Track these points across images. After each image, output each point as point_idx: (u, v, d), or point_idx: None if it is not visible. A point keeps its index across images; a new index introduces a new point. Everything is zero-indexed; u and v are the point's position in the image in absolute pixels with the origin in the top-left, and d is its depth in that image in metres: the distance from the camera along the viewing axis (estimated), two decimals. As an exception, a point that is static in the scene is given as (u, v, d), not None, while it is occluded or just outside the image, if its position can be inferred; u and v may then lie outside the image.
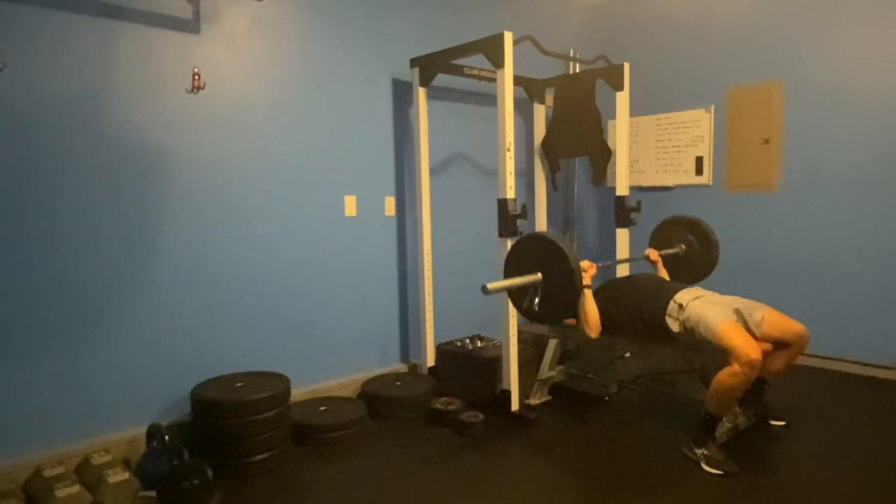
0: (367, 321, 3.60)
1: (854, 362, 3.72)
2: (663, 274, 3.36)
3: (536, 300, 2.59)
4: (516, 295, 2.73)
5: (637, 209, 3.87)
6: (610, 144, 4.00)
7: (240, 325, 3.05)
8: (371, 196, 3.58)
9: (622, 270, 3.99)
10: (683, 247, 3.52)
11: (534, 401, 3.30)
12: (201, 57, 2.86)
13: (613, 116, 3.90)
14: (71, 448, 2.52)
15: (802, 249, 3.90)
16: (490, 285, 2.48)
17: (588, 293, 2.86)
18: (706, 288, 2.94)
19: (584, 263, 2.85)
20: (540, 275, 2.58)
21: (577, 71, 4.47)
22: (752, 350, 2.40)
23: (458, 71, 3.70)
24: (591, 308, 2.87)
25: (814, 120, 3.81)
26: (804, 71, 3.83)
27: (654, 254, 3.41)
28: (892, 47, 3.51)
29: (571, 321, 3.25)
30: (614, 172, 3.92)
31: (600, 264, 3.03)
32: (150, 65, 2.72)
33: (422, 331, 3.63)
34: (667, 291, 2.82)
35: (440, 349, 3.58)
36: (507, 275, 2.70)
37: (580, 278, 2.56)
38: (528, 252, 2.65)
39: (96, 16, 2.57)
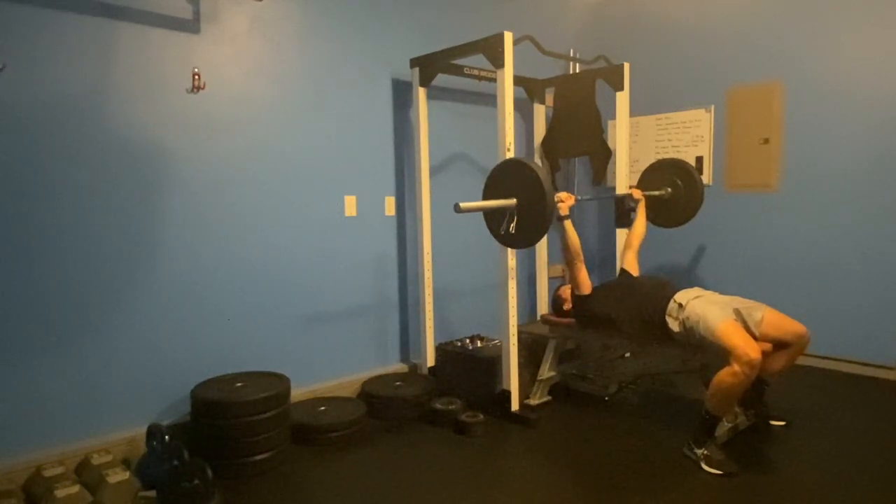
0: (367, 321, 3.60)
1: (854, 362, 3.72)
2: (642, 215, 3.43)
3: (512, 226, 2.62)
4: (493, 220, 2.75)
5: (636, 209, 3.86)
6: (610, 144, 4.00)
7: (240, 325, 3.05)
8: (371, 196, 3.58)
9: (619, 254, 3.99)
10: (669, 190, 3.60)
11: (534, 401, 3.30)
12: (201, 57, 2.86)
13: (613, 116, 3.90)
14: (71, 448, 2.52)
15: (802, 249, 3.90)
16: (463, 205, 2.51)
17: (568, 224, 2.96)
18: (706, 288, 2.94)
19: (563, 195, 2.95)
20: (515, 200, 2.61)
21: (577, 71, 4.46)
22: (751, 350, 2.40)
23: (458, 71, 3.70)
24: (572, 236, 2.97)
25: (814, 120, 3.81)
26: (804, 71, 3.83)
27: (637, 192, 3.50)
28: (893, 47, 3.51)
29: (569, 321, 3.26)
30: (614, 172, 3.92)
31: (579, 197, 3.14)
32: (150, 65, 2.72)
33: (422, 331, 3.63)
34: (666, 291, 2.83)
35: (440, 349, 3.57)
36: (486, 198, 2.74)
37: (553, 201, 2.58)
38: (505, 178, 2.68)
39: (96, 16, 2.57)
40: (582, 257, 3.00)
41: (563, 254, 3.00)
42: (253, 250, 3.09)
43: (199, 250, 2.91)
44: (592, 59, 4.05)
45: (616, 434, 2.93)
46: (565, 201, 2.95)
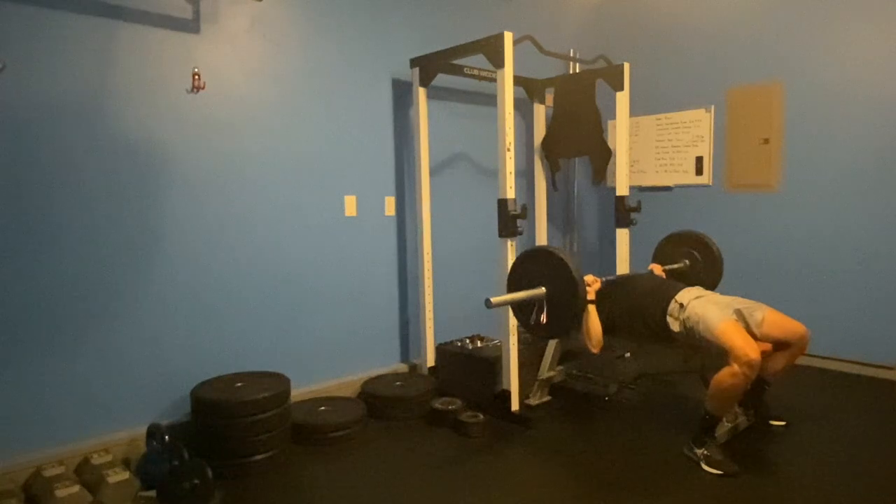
0: (368, 321, 3.60)
1: (854, 362, 3.72)
2: None
3: (543, 315, 2.55)
4: (521, 311, 2.70)
5: (637, 209, 3.87)
6: (610, 144, 4.00)
7: (240, 325, 3.05)
8: (371, 196, 3.58)
9: (619, 254, 3.98)
10: (687, 262, 3.52)
11: (534, 401, 3.30)
12: (201, 57, 2.86)
13: (613, 116, 3.90)
14: (71, 448, 2.52)
15: (802, 249, 3.90)
16: (494, 299, 2.45)
17: (592, 308, 2.79)
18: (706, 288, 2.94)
19: (588, 278, 2.78)
20: (544, 289, 2.55)
21: (577, 71, 4.47)
22: (751, 350, 2.40)
23: (458, 71, 3.70)
24: (594, 324, 2.79)
25: (814, 120, 3.81)
26: (804, 71, 3.83)
27: (657, 269, 3.37)
28: (893, 47, 3.51)
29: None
30: (614, 172, 3.92)
31: (604, 279, 2.94)
32: (150, 65, 2.72)
33: (422, 331, 3.63)
34: (667, 291, 2.82)
35: (440, 349, 3.57)
36: (511, 288, 2.67)
37: (584, 292, 2.53)
38: (533, 265, 2.62)
39: (96, 16, 2.57)
40: (602, 344, 2.83)
41: (583, 336, 2.85)
42: (253, 250, 3.09)
43: (199, 250, 2.91)
44: (592, 59, 4.05)
45: (616, 434, 2.93)
46: (591, 285, 2.80)
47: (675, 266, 3.51)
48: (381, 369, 3.63)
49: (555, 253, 2.55)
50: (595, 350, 2.84)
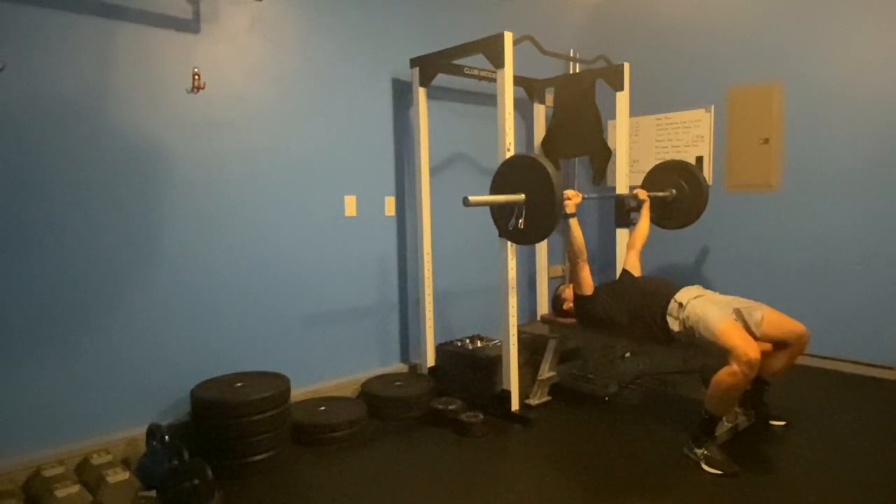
0: (368, 321, 3.60)
1: (854, 362, 3.72)
2: (646, 215, 3.45)
3: (520, 221, 2.63)
4: (500, 217, 2.77)
5: (637, 209, 3.86)
6: (610, 144, 4.00)
7: (239, 325, 3.05)
8: (371, 196, 3.58)
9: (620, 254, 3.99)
10: (674, 191, 3.62)
11: (534, 401, 3.30)
12: (201, 57, 2.86)
13: (613, 116, 3.90)
14: (71, 448, 2.52)
15: (802, 249, 3.90)
16: (472, 198, 2.53)
17: (574, 222, 2.93)
18: (706, 287, 2.94)
19: (570, 192, 2.91)
20: (523, 195, 2.61)
21: (577, 71, 4.47)
22: (750, 349, 2.41)
23: (458, 71, 3.70)
24: (577, 234, 2.93)
25: (814, 120, 3.81)
26: (804, 71, 3.83)
27: (643, 193, 3.50)
28: (893, 47, 3.51)
29: (570, 321, 3.26)
30: (614, 172, 3.92)
31: (586, 196, 3.10)
32: (150, 65, 2.72)
33: (422, 331, 3.63)
34: (667, 291, 2.83)
35: (440, 349, 3.57)
36: (494, 192, 2.76)
37: (562, 200, 2.60)
38: (513, 173, 2.70)
39: (96, 16, 2.57)
40: (585, 256, 2.99)
41: (567, 252, 2.99)
42: (253, 250, 3.09)
43: (199, 250, 2.91)
44: (592, 59, 4.05)
45: (616, 434, 2.93)
46: (572, 199, 2.92)
47: (662, 193, 3.61)
48: (381, 369, 3.63)
49: (536, 160, 2.60)
50: (581, 259, 2.94)
